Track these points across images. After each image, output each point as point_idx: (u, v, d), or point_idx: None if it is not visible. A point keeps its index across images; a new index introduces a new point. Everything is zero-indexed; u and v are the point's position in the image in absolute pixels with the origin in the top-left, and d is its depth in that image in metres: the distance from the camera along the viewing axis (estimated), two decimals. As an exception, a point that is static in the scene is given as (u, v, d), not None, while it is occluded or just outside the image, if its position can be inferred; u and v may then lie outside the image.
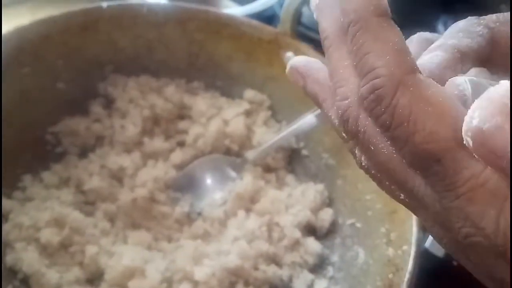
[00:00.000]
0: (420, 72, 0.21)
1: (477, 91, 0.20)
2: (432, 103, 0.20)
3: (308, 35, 0.72)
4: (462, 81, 0.21)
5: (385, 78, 0.21)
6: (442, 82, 0.22)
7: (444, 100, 0.20)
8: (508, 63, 0.25)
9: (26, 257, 0.52)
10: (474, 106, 0.18)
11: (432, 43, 0.26)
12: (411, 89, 0.20)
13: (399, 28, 0.22)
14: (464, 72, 0.24)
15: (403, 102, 0.20)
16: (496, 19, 0.25)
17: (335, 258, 0.58)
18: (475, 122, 0.18)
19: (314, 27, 0.76)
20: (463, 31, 0.25)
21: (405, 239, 0.50)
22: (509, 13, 0.25)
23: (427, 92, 0.20)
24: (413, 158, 0.20)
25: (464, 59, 0.24)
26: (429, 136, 0.20)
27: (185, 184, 0.62)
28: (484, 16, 0.26)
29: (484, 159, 0.19)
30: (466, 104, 0.20)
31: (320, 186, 0.61)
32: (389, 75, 0.20)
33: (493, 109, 0.18)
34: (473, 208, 0.19)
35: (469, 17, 0.26)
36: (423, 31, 0.28)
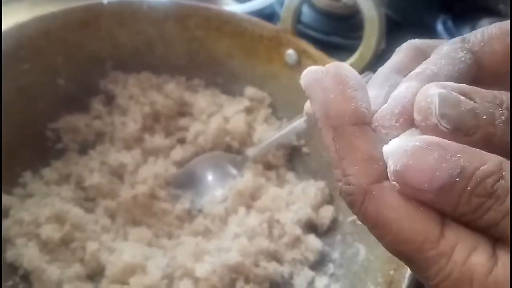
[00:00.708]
0: (387, 178, 0.23)
1: (446, 104, 0.22)
2: (395, 209, 0.22)
3: (307, 33, 0.73)
4: (433, 94, 0.22)
5: (354, 187, 0.23)
6: (411, 119, 0.24)
7: (406, 205, 0.22)
8: (496, 80, 0.25)
9: (26, 253, 0.52)
10: (385, 154, 0.22)
11: (421, 51, 0.27)
12: (375, 198, 0.22)
13: (373, 133, 0.23)
14: None
15: (371, 210, 0.22)
16: (480, 39, 0.25)
17: (335, 255, 0.58)
18: (392, 168, 0.22)
19: (313, 26, 0.76)
20: (445, 58, 0.25)
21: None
22: (493, 25, 0.25)
23: (390, 199, 0.22)
24: (392, 253, 0.23)
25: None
26: (396, 239, 0.22)
27: (185, 181, 0.62)
28: (468, 36, 0.26)
29: (414, 197, 0.21)
30: (430, 118, 0.22)
31: (320, 183, 0.61)
32: (357, 185, 0.23)
33: (399, 154, 0.21)
34: None
35: (453, 40, 0.26)
36: (422, 30, 0.28)
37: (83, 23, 0.61)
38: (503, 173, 0.20)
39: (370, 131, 0.23)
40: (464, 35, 0.26)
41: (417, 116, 0.22)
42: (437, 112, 0.22)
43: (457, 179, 0.20)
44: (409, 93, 0.23)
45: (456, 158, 0.20)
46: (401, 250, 0.22)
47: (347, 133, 0.23)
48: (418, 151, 0.21)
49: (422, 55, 0.27)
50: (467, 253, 0.21)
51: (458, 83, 0.23)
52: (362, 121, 0.23)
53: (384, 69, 0.27)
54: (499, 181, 0.20)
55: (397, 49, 0.28)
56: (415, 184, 0.21)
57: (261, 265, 0.55)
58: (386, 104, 0.24)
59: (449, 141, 0.21)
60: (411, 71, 0.25)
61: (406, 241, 0.22)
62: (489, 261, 0.21)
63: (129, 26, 0.63)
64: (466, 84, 0.23)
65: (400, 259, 0.23)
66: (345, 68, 0.24)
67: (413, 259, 0.22)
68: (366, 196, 0.22)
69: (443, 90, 0.22)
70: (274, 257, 0.57)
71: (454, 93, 0.22)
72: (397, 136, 0.23)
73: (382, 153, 0.23)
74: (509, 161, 0.21)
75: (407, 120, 0.23)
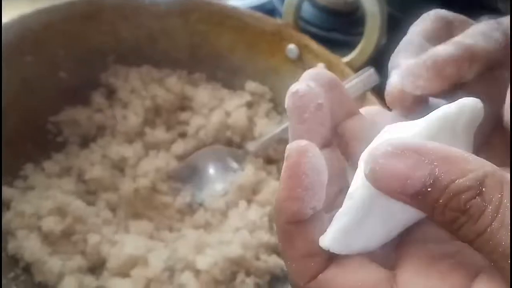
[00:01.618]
0: (331, 262, 0.22)
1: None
2: None
3: (307, 29, 0.73)
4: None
5: (294, 284, 0.22)
6: (441, 75, 0.24)
7: None
8: None
9: (28, 245, 0.52)
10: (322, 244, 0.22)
11: (449, 22, 0.27)
12: None
13: (312, 228, 0.22)
14: (469, 73, 0.25)
15: None
16: None
17: (335, 248, 0.58)
18: (366, 171, 0.20)
19: (313, 22, 0.76)
20: (482, 35, 0.25)
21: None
22: None
23: None
24: None
25: (474, 61, 0.25)
26: None
27: (186, 175, 0.62)
28: (501, 19, 0.26)
29: (398, 199, 0.20)
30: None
31: (321, 178, 0.61)
32: (295, 283, 0.22)
33: (373, 155, 0.20)
34: None
35: (489, 21, 0.26)
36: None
37: (85, 16, 0.61)
38: (483, 189, 0.18)
39: (309, 227, 0.22)
40: (498, 18, 0.26)
41: (508, 116, 0.22)
42: None
43: (429, 189, 0.19)
44: (444, 52, 0.24)
45: (432, 166, 0.19)
46: None
47: (284, 231, 0.22)
48: (390, 156, 0.20)
49: (449, 26, 0.27)
50: None
51: (490, 61, 0.23)
52: (301, 220, 0.22)
53: (415, 37, 0.27)
54: (475, 198, 0.18)
55: (423, 16, 0.28)
56: (388, 190, 0.20)
57: (262, 258, 0.55)
58: (419, 57, 0.24)
59: (432, 146, 0.20)
60: (440, 40, 0.25)
61: None
62: None
63: (131, 20, 0.63)
64: (494, 65, 0.23)
65: None
66: (307, 156, 0.21)
67: None
68: None
69: None
70: (275, 250, 0.57)
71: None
72: (424, 86, 0.23)
73: (319, 247, 0.22)
74: (497, 175, 0.19)
75: (435, 74, 0.23)
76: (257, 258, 0.55)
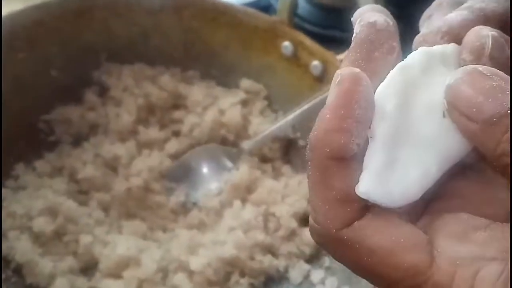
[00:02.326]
0: (368, 212, 0.21)
1: (497, 47, 0.21)
2: (374, 251, 0.20)
3: (303, 26, 0.72)
4: (485, 35, 0.21)
5: (321, 229, 0.21)
6: (458, 39, 0.23)
7: (384, 243, 0.20)
8: None
9: (19, 246, 0.52)
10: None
11: (462, 4, 0.26)
12: (349, 243, 0.20)
13: (353, 170, 0.20)
14: None
15: (346, 255, 0.21)
16: None
17: (331, 248, 0.57)
18: (447, 81, 0.20)
19: (309, 18, 0.76)
20: None
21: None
22: None
23: (366, 242, 0.20)
24: None
25: (488, 22, 0.24)
26: (382, 281, 0.20)
27: (180, 174, 0.61)
28: None
29: (460, 127, 0.20)
30: (481, 58, 0.21)
31: (316, 177, 0.61)
32: (325, 228, 0.20)
33: (459, 71, 0.20)
34: None
35: None
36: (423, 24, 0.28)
37: (77, 13, 0.60)
38: None
39: (350, 167, 0.20)
40: None
41: (468, 56, 0.21)
42: (488, 53, 0.21)
43: (508, 111, 0.18)
44: (459, 16, 0.23)
45: None
46: None
47: (323, 167, 0.20)
48: (478, 74, 0.19)
49: None
50: (470, 280, 0.19)
51: (501, 22, 0.23)
52: (344, 157, 0.20)
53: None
54: None
55: (437, 1, 0.27)
56: (463, 107, 0.19)
57: (257, 259, 0.55)
58: (433, 25, 0.23)
59: None
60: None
61: (395, 280, 0.20)
62: (502, 283, 0.18)
63: (124, 17, 0.62)
64: (505, 26, 0.23)
65: None
66: (362, 84, 0.20)
67: None
68: (337, 243, 0.20)
69: (494, 33, 0.21)
70: (270, 250, 0.56)
71: (502, 38, 0.21)
72: None
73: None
74: None
75: (450, 40, 0.22)
76: (252, 259, 0.55)
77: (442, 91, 0.21)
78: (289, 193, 0.59)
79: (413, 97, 0.21)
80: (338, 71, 0.20)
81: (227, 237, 0.55)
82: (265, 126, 0.62)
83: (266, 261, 0.55)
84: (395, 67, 0.21)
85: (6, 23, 0.56)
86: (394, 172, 0.20)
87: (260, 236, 0.56)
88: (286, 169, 0.63)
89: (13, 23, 0.56)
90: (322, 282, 0.55)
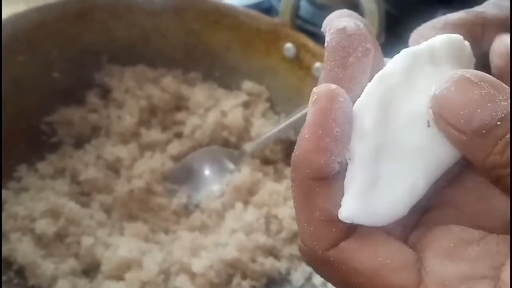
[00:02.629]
0: (354, 231, 0.20)
1: None
2: (361, 272, 0.20)
3: (305, 28, 0.72)
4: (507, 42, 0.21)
5: (308, 250, 0.20)
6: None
7: (371, 264, 0.20)
8: None
9: (21, 248, 0.52)
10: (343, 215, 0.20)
11: None
12: (335, 264, 0.20)
13: (336, 188, 0.20)
14: (484, 39, 0.24)
15: (333, 276, 0.20)
16: None
17: (333, 250, 0.57)
18: (432, 91, 0.19)
19: (311, 20, 0.75)
20: (493, 4, 0.25)
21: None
22: None
23: (353, 263, 0.20)
24: None
25: (486, 26, 0.24)
26: None
27: (182, 176, 0.61)
28: None
29: (448, 137, 0.19)
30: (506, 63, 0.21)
31: (318, 179, 0.61)
32: (311, 249, 0.20)
33: (446, 78, 0.19)
34: None
35: None
36: (421, 24, 0.28)
37: (78, 15, 0.60)
38: None
39: (333, 187, 0.20)
40: None
41: (498, 61, 0.21)
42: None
43: (498, 123, 0.18)
44: (455, 15, 0.23)
45: (506, 103, 0.18)
46: None
47: (306, 188, 0.20)
48: (466, 81, 0.19)
49: None
50: None
51: (503, 27, 0.23)
52: (326, 177, 0.19)
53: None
54: None
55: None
56: (451, 118, 0.19)
57: (258, 261, 0.55)
58: (429, 21, 0.23)
59: (505, 85, 0.19)
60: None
61: None
62: None
63: (125, 18, 0.62)
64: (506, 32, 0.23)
65: None
66: (339, 101, 0.19)
67: None
68: (323, 264, 0.20)
69: None
70: (272, 252, 0.56)
71: None
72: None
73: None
74: None
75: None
76: (254, 261, 0.55)
77: (426, 98, 0.20)
78: (291, 195, 0.59)
79: (395, 107, 0.20)
80: (314, 89, 0.20)
81: (229, 239, 0.55)
82: (267, 128, 0.62)
83: (268, 263, 0.55)
84: (374, 77, 0.20)
85: (7, 25, 0.56)
86: (377, 191, 0.20)
87: (262, 238, 0.55)
88: (288, 171, 0.63)
89: (15, 25, 0.56)
90: (324, 284, 0.55)
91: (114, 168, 0.60)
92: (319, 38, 0.65)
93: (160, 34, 0.64)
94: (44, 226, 0.53)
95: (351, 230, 0.20)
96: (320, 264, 0.20)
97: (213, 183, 0.61)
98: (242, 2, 0.74)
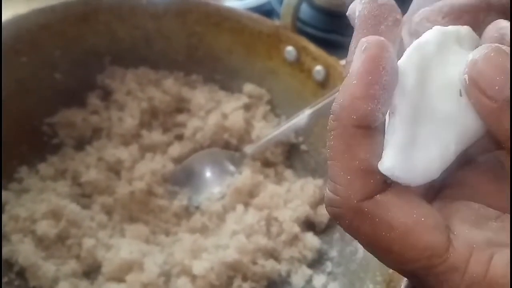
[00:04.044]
0: (388, 185, 0.20)
1: None
2: (394, 227, 0.19)
3: (306, 31, 0.72)
4: (505, 26, 0.21)
5: (341, 200, 0.20)
6: (459, 21, 0.23)
7: (405, 219, 0.20)
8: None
9: (22, 249, 0.52)
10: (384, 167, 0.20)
11: None
12: (369, 216, 0.20)
13: (378, 141, 0.20)
14: (485, 22, 0.24)
15: (364, 229, 0.20)
16: None
17: (333, 253, 0.58)
18: (470, 56, 0.20)
19: (311, 23, 0.76)
20: None
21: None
22: None
23: (387, 217, 0.20)
24: (394, 270, 0.21)
25: (490, 11, 0.24)
26: (399, 259, 0.20)
27: (183, 178, 0.61)
28: None
29: (478, 105, 0.19)
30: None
31: (319, 181, 0.61)
32: (345, 199, 0.20)
33: (482, 47, 0.19)
34: None
35: None
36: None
37: (81, 17, 0.60)
38: None
39: (375, 138, 0.20)
40: None
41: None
42: (508, 43, 0.21)
43: None
44: (460, 0, 0.23)
45: None
46: (406, 269, 0.20)
47: (348, 136, 0.19)
48: (503, 52, 0.19)
49: None
50: (485, 263, 0.19)
51: (504, 10, 0.23)
52: (370, 126, 0.19)
53: None
54: None
55: None
56: (485, 83, 0.19)
57: (259, 263, 0.55)
58: (435, 4, 0.23)
59: None
60: None
61: (410, 260, 0.19)
62: None
63: (128, 21, 0.62)
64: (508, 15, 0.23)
65: (404, 276, 0.21)
66: (389, 51, 0.19)
67: (421, 277, 0.20)
68: (356, 215, 0.20)
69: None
70: (272, 255, 0.56)
71: None
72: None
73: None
74: None
75: (451, 20, 0.23)
76: (254, 263, 0.55)
77: (459, 69, 0.20)
78: (292, 197, 0.59)
79: (430, 74, 0.21)
80: (363, 39, 0.20)
81: (229, 241, 0.55)
82: (268, 131, 0.62)
83: (268, 265, 0.55)
84: (412, 44, 0.21)
85: (10, 26, 0.56)
86: (415, 149, 0.20)
87: (262, 241, 0.56)
88: (288, 173, 0.63)
89: (18, 26, 0.56)
90: (324, 287, 0.55)
91: (115, 169, 0.60)
92: (319, 41, 0.65)
93: (163, 36, 0.64)
94: (45, 227, 0.53)
95: (386, 185, 0.20)
96: (351, 215, 0.20)
97: (213, 185, 0.61)
98: (244, 4, 0.74)
